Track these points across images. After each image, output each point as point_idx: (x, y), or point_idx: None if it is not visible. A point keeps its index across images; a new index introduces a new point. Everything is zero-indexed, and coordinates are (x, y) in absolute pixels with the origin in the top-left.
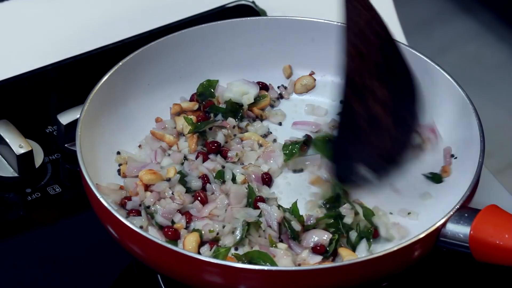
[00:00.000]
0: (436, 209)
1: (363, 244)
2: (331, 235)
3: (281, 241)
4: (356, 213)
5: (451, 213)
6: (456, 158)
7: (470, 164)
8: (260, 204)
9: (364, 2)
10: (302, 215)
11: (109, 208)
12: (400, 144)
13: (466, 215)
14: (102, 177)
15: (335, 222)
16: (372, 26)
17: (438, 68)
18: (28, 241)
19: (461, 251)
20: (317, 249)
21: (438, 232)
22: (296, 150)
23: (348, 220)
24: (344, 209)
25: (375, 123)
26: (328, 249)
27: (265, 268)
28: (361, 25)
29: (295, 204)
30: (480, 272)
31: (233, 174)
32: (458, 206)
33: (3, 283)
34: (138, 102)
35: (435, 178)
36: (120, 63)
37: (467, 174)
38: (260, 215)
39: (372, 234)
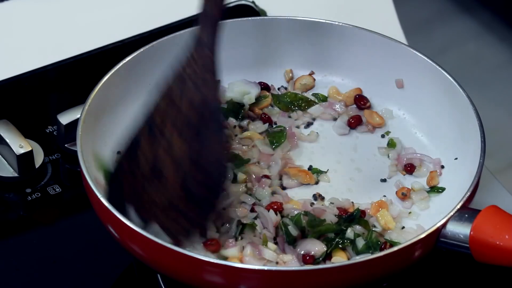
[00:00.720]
0: (436, 209)
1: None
2: (325, 248)
3: (276, 243)
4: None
5: (452, 213)
6: (456, 159)
7: (470, 165)
8: (257, 208)
9: (204, 75)
10: (304, 226)
11: (110, 208)
12: (177, 213)
13: (466, 215)
14: (102, 177)
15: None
16: (201, 92)
17: (438, 68)
18: (28, 241)
19: (461, 251)
20: (306, 259)
21: (438, 233)
22: (284, 137)
23: (350, 235)
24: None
25: (158, 175)
26: (319, 258)
27: (265, 268)
28: (187, 82)
29: (298, 216)
30: (480, 272)
31: (234, 174)
32: (458, 207)
33: (3, 283)
34: (139, 102)
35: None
36: (121, 63)
37: (467, 175)
38: (256, 218)
39: (380, 247)
